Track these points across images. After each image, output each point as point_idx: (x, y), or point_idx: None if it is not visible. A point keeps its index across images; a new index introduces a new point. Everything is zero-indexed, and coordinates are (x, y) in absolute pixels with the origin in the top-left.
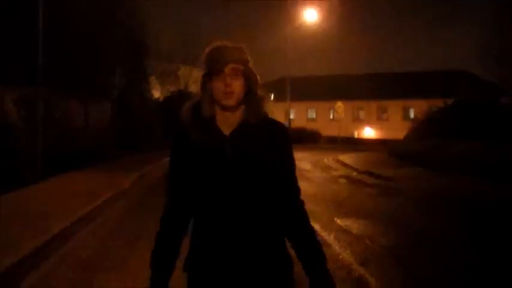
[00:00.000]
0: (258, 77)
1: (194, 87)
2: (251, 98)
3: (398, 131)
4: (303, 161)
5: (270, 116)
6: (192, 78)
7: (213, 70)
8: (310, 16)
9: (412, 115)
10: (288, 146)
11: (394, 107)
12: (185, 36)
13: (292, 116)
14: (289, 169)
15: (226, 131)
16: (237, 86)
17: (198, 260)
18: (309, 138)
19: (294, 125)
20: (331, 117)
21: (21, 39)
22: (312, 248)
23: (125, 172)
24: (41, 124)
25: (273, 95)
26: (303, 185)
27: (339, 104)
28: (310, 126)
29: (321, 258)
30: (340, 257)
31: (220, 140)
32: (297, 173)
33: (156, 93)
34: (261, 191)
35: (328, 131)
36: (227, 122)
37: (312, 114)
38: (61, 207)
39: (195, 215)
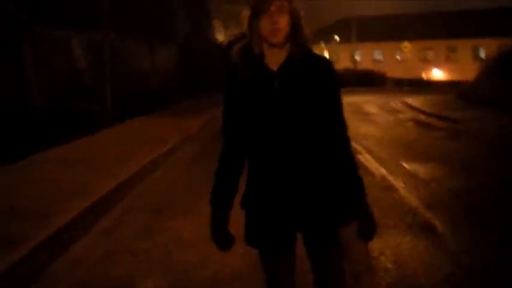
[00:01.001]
0: (303, 13)
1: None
2: (297, 34)
3: (468, 72)
4: (369, 104)
5: (335, 58)
6: None
7: (259, 8)
8: None
9: (482, 55)
10: (333, 80)
11: (463, 47)
12: None
13: (357, 58)
14: (336, 103)
15: (274, 66)
16: (283, 22)
17: (254, 196)
18: (375, 81)
19: (360, 66)
20: (398, 58)
21: None
22: (353, 183)
23: (191, 116)
24: (108, 68)
25: (337, 37)
26: (369, 128)
27: (406, 44)
28: (376, 67)
29: (360, 192)
30: (407, 201)
31: (268, 74)
32: (363, 117)
33: (220, 37)
34: (308, 123)
35: (394, 72)
36: (275, 59)
37: (378, 55)
38: (131, 152)
39: (249, 152)
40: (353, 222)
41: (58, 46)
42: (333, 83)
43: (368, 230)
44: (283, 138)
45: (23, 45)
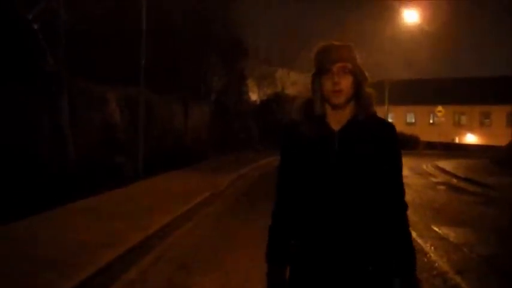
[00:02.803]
0: (367, 74)
1: (291, 90)
2: (360, 96)
3: (502, 138)
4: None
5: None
6: (289, 81)
7: (321, 69)
8: (411, 17)
9: None
10: (395, 144)
11: (497, 112)
12: (283, 38)
13: (390, 120)
14: (395, 168)
15: (336, 127)
16: (345, 83)
17: (301, 255)
18: (407, 143)
19: None
20: (431, 121)
21: (126, 41)
22: (403, 253)
23: (222, 173)
24: (142, 124)
25: None
26: None
27: (439, 108)
28: (409, 130)
29: (410, 265)
30: (436, 265)
31: (330, 134)
32: None
33: (253, 96)
34: (365, 187)
35: (427, 136)
36: (337, 119)
37: (410, 118)
38: (161, 205)
39: (300, 208)
40: None
41: (95, 100)
42: (394, 148)
43: None
44: (338, 200)
45: (62, 99)
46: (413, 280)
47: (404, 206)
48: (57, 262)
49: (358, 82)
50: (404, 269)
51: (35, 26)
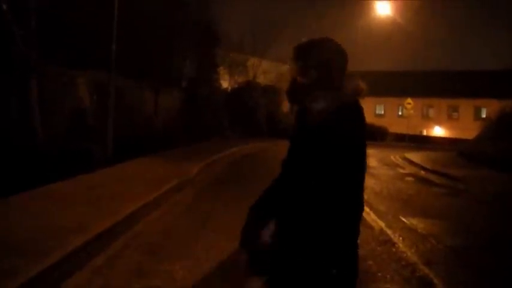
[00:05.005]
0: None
1: (262, 79)
2: None
3: (469, 131)
4: (370, 157)
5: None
6: (260, 70)
7: None
8: (383, 9)
9: (484, 115)
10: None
11: (465, 106)
12: (255, 27)
13: None
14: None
15: None
16: None
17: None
18: (376, 135)
19: None
20: (400, 113)
21: (97, 26)
22: None
23: (191, 160)
24: (112, 109)
25: None
26: (369, 182)
27: (409, 101)
28: (377, 122)
29: None
30: (405, 255)
31: None
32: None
33: (225, 84)
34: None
35: (396, 128)
36: None
37: (380, 110)
38: (129, 192)
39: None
40: None
41: (65, 84)
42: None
43: None
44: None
45: (31, 82)
46: None
47: (341, 208)
48: (22, 247)
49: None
50: None
51: (4, 7)
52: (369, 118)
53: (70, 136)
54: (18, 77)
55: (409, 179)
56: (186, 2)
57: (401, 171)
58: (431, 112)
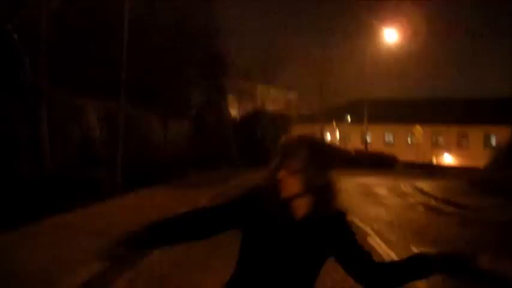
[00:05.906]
0: None
1: (272, 106)
2: None
3: (479, 159)
4: (379, 186)
5: (347, 138)
6: (269, 97)
7: None
8: (391, 37)
9: (493, 142)
10: None
11: (475, 134)
12: (264, 55)
13: (368, 140)
14: None
15: None
16: None
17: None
18: (385, 163)
19: (371, 148)
20: (409, 141)
21: (107, 54)
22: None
23: (201, 189)
24: (121, 138)
25: (349, 116)
26: (378, 211)
27: (418, 128)
28: (387, 150)
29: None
30: (416, 286)
31: None
32: (373, 199)
33: (233, 111)
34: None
35: (405, 156)
36: None
37: (389, 138)
38: (139, 222)
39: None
40: None
41: (74, 113)
42: None
43: None
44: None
45: (40, 110)
46: None
47: None
48: (32, 279)
49: None
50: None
51: (15, 36)
52: (379, 146)
53: (79, 164)
54: (27, 105)
55: (420, 208)
56: (195, 33)
57: (412, 200)
58: (441, 139)
